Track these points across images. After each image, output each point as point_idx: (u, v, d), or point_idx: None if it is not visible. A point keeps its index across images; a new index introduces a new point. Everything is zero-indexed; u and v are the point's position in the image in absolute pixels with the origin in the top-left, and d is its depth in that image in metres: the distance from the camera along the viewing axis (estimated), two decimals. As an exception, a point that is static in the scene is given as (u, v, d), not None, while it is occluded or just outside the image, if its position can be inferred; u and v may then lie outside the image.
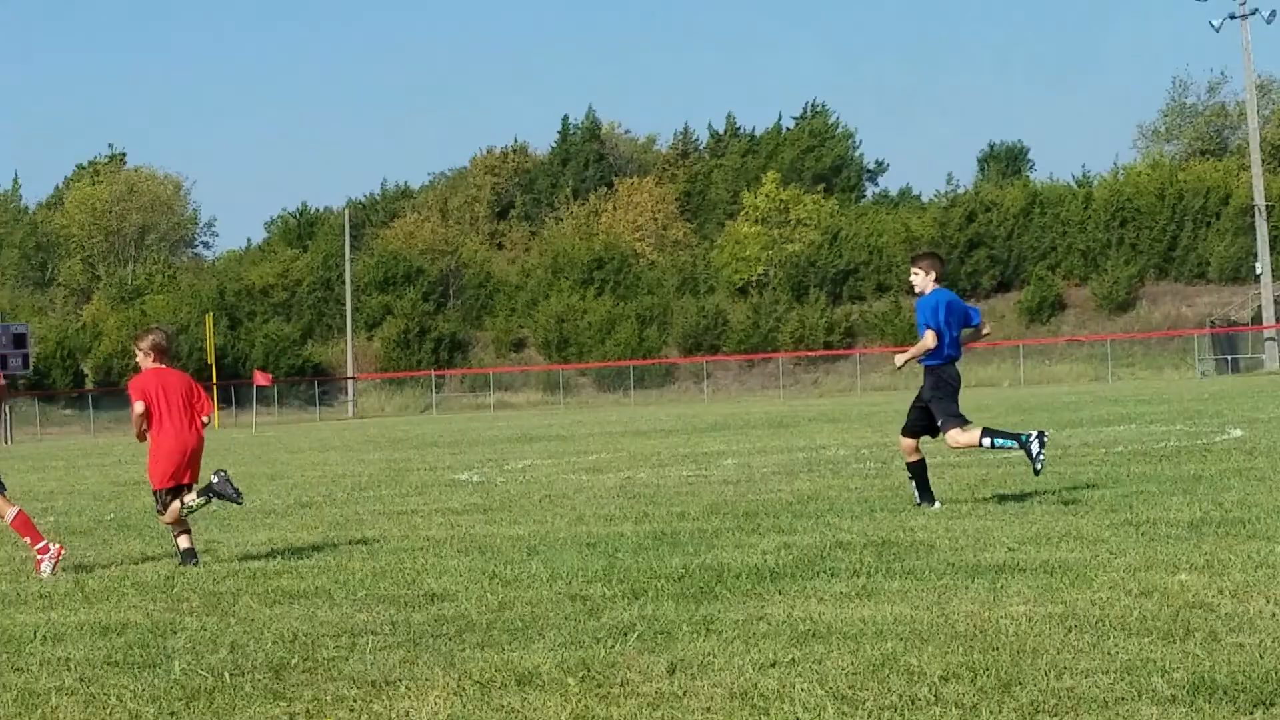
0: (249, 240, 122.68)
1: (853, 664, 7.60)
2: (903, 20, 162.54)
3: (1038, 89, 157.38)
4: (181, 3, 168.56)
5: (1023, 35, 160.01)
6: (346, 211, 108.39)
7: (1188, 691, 6.74)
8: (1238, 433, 24.73)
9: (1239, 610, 8.50)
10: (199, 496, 13.46)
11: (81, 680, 8.25)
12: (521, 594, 10.50)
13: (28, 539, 13.37)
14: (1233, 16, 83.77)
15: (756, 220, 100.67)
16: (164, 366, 13.73)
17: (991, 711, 6.60)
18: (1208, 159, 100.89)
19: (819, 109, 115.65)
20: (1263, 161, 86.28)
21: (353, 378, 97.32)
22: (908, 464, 15.22)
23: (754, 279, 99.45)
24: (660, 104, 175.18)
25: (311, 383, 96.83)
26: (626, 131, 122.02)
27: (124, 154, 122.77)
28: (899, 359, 15.68)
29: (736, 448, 29.02)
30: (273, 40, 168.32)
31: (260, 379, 73.87)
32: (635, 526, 14.58)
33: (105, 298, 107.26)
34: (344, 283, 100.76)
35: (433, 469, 27.04)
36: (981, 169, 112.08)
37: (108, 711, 7.51)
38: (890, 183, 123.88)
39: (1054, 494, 15.42)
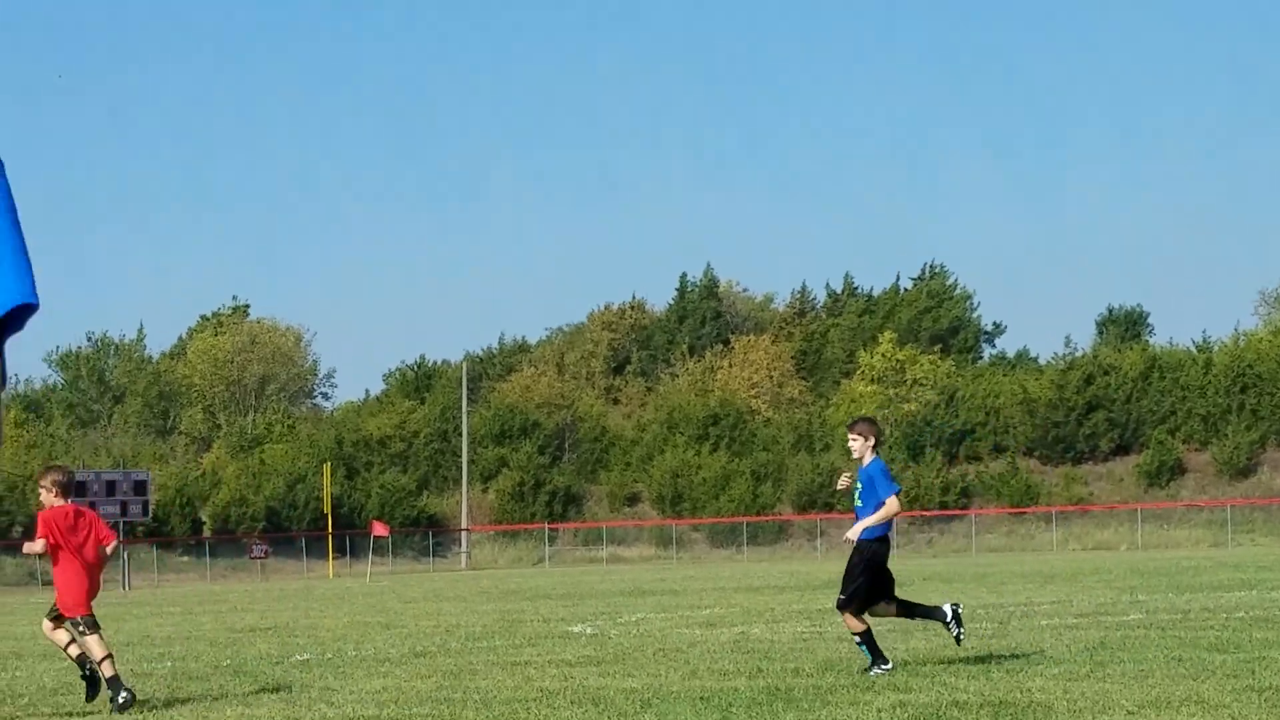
0: (367, 391, 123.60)
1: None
2: (1021, 183, 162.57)
3: (1159, 253, 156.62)
4: (307, 170, 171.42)
5: (1145, 204, 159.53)
6: (465, 364, 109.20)
7: None
8: (1363, 601, 24.33)
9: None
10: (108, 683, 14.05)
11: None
12: (635, 746, 10.49)
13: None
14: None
15: (872, 379, 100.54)
16: (67, 503, 14.46)
17: None
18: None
19: (937, 270, 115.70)
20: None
21: (467, 529, 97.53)
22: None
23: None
24: (778, 263, 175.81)
25: (426, 533, 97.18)
26: (744, 289, 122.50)
27: (247, 305, 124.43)
28: (854, 530, 15.49)
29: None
30: (395, 200, 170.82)
31: (379, 529, 74.26)
32: (749, 682, 14.52)
33: (225, 446, 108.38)
34: (460, 435, 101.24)
35: (546, 620, 27.04)
36: (1100, 332, 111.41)
37: None
38: (1008, 345, 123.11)
39: (1174, 658, 15.22)
